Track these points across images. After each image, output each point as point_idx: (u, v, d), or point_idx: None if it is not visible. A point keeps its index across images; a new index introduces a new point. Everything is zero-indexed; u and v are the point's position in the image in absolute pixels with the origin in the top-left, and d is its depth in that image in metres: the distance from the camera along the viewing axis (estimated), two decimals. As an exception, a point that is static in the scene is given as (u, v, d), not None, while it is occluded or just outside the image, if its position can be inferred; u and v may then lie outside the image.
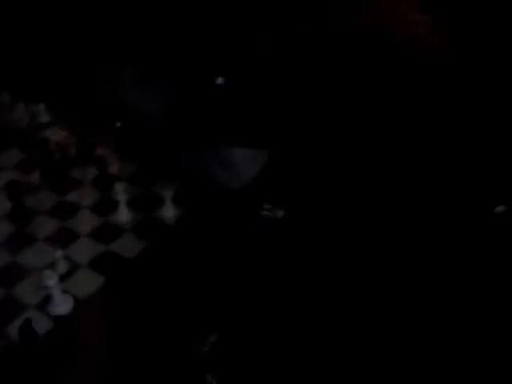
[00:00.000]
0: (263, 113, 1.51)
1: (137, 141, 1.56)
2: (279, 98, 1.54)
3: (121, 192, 1.36)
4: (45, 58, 1.73)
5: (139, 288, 1.24)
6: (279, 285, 1.23)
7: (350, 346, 1.10)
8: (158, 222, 1.37)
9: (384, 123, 1.47)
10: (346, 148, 1.45)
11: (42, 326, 1.12)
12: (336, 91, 1.52)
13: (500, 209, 1.30)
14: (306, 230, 1.35)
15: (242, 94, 1.52)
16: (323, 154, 1.46)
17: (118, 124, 1.58)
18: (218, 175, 1.44)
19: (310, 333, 1.12)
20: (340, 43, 1.54)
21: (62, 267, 1.23)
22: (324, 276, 1.24)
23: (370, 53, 1.54)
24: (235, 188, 1.43)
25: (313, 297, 1.19)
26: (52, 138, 1.58)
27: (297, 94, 1.55)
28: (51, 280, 1.12)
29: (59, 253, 1.22)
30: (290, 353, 1.09)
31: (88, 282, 1.23)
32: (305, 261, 1.27)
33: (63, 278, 1.21)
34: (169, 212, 1.38)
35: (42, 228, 1.34)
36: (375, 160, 1.43)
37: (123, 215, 1.37)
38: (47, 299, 1.16)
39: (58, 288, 1.13)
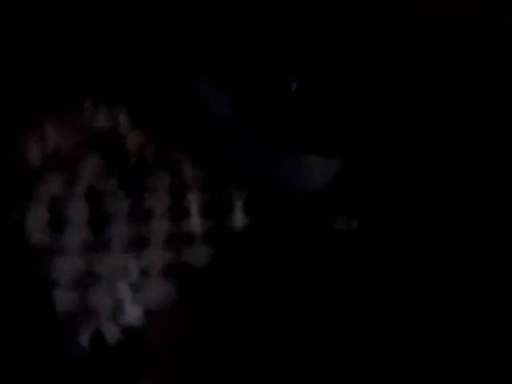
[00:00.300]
0: (339, 117, 1.46)
1: (209, 145, 1.57)
2: (356, 101, 1.49)
3: (193, 199, 1.37)
4: (127, 60, 1.76)
5: (210, 298, 1.24)
6: (352, 298, 1.20)
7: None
8: (229, 230, 1.37)
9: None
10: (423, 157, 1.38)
11: (112, 337, 1.15)
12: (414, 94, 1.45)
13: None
14: (382, 241, 1.30)
15: (318, 96, 1.48)
16: (397, 163, 1.40)
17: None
18: (290, 181, 1.42)
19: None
20: (416, 41, 1.46)
21: (135, 276, 1.26)
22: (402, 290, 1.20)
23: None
24: (307, 195, 1.40)
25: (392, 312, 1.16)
26: (130, 144, 1.63)
27: (376, 95, 1.49)
28: (123, 291, 1.14)
29: (132, 261, 1.25)
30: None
31: (159, 292, 1.25)
32: (382, 275, 1.23)
33: (135, 287, 1.25)
34: (238, 220, 1.38)
35: (117, 235, 1.38)
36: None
37: (195, 223, 1.38)
38: (118, 309, 1.19)
39: (129, 299, 1.16)
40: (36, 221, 1.37)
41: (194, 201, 1.37)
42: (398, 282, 1.24)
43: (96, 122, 1.67)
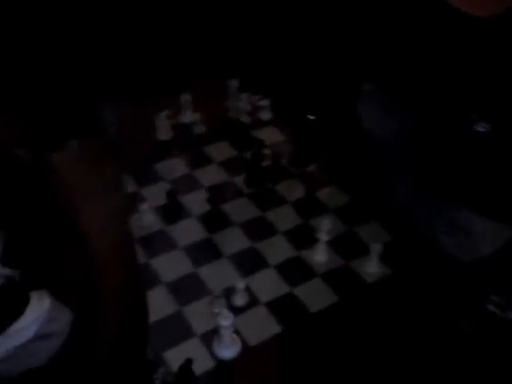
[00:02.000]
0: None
1: (355, 166, 1.37)
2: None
3: (323, 226, 1.18)
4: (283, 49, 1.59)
5: (317, 345, 1.06)
6: None
7: None
8: (357, 276, 1.17)
9: None
10: None
11: (202, 364, 0.99)
12: None
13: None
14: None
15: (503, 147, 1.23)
16: None
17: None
18: (445, 241, 1.19)
19: None
20: None
21: (241, 300, 1.10)
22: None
23: None
24: (466, 261, 1.17)
25: None
26: (267, 140, 1.46)
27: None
28: (225, 320, 0.98)
29: (241, 284, 1.08)
30: None
31: (262, 325, 1.08)
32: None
33: (237, 310, 1.08)
34: (372, 267, 1.17)
35: (231, 243, 1.22)
36: None
37: (319, 255, 1.19)
38: (214, 332, 1.03)
39: (229, 329, 0.99)
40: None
41: (324, 228, 1.18)
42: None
43: (235, 108, 1.52)
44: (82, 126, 0.81)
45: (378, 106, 1.38)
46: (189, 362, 0.94)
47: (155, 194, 1.29)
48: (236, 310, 1.09)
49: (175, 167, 1.38)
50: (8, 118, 0.78)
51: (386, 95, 1.35)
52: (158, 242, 1.21)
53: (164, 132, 1.45)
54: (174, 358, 1.00)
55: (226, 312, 0.98)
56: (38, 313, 0.80)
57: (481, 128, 1.17)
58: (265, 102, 1.52)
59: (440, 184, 1.19)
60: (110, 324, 0.86)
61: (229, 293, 1.11)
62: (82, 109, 0.81)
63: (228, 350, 1.01)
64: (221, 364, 1.00)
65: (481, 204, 1.15)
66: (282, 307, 1.11)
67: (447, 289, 1.14)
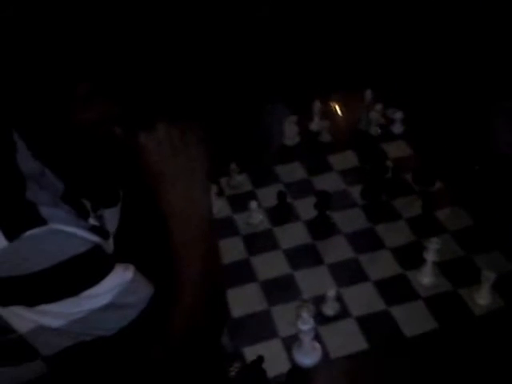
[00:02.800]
0: None
1: (485, 188, 1.25)
2: None
3: (431, 245, 1.09)
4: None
5: (405, 372, 0.98)
6: None
7: None
8: (464, 305, 1.07)
9: None
10: None
11: (278, 366, 0.97)
12: None
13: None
14: None
15: None
16: None
17: (476, 167, 1.29)
18: None
19: None
20: None
21: (330, 309, 1.06)
22: None
23: None
24: None
25: None
26: (394, 154, 1.39)
27: None
28: (304, 325, 0.95)
29: (332, 292, 1.04)
30: None
31: (349, 339, 1.02)
32: None
33: (326, 320, 1.05)
34: (483, 298, 1.06)
35: (333, 252, 1.18)
36: None
37: (425, 277, 1.10)
38: (295, 338, 1.00)
39: (309, 335, 0.96)
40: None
41: (433, 248, 1.09)
42: None
43: (365, 118, 1.48)
44: (172, 110, 0.84)
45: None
46: (260, 359, 0.92)
47: (269, 194, 1.30)
48: (325, 319, 1.06)
49: (294, 171, 1.38)
50: (108, 99, 0.84)
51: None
52: (262, 241, 1.21)
53: (291, 136, 1.46)
54: (252, 354, 0.99)
55: (306, 316, 0.94)
56: (118, 283, 0.84)
57: None
58: (398, 115, 1.46)
59: None
60: (182, 311, 0.87)
61: (320, 300, 1.08)
62: (176, 94, 0.84)
63: (306, 356, 0.98)
64: (296, 369, 0.97)
65: None
66: (374, 325, 1.04)
67: None
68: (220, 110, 1.32)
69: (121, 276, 0.85)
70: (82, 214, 0.88)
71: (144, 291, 0.89)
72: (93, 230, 0.86)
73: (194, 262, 0.87)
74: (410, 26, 1.52)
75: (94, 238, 0.85)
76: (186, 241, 0.87)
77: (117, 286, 0.84)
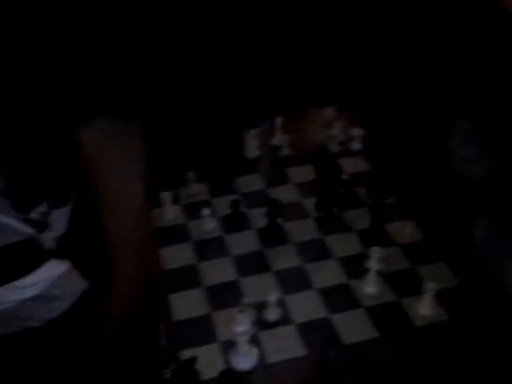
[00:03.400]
0: None
1: (437, 203, 1.27)
2: None
3: (373, 254, 1.09)
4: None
5: (339, 377, 0.98)
6: None
7: None
8: (405, 315, 1.07)
9: None
10: None
11: (214, 369, 0.96)
12: None
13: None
14: None
15: None
16: None
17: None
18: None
19: None
20: None
21: (272, 315, 1.06)
22: None
23: None
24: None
25: None
26: (351, 170, 1.41)
27: None
28: (239, 326, 0.95)
29: (273, 297, 1.05)
30: None
31: (287, 345, 1.02)
32: None
33: (267, 325, 1.05)
34: (424, 309, 1.06)
35: (281, 260, 1.18)
36: None
37: (369, 287, 1.10)
38: (232, 344, 1.00)
39: (244, 337, 0.96)
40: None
41: (375, 259, 1.10)
42: None
43: (330, 133, 1.50)
44: (109, 105, 0.86)
45: (473, 143, 1.29)
46: (193, 359, 0.92)
47: (224, 204, 1.30)
48: (266, 325, 1.05)
49: (252, 183, 1.39)
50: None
51: (481, 133, 1.25)
52: (212, 248, 1.22)
53: (251, 150, 1.48)
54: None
55: (241, 318, 0.94)
56: (48, 275, 0.85)
57: None
58: (358, 132, 1.48)
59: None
60: (118, 298, 0.88)
61: (263, 306, 1.07)
62: (114, 91, 0.86)
63: (241, 359, 0.97)
64: (229, 371, 0.97)
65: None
66: (314, 331, 1.04)
67: (505, 344, 0.99)
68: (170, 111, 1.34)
69: (52, 269, 0.86)
70: (22, 209, 0.89)
71: (76, 285, 0.89)
72: (29, 221, 0.87)
73: (129, 251, 0.88)
74: (368, 45, 1.55)
75: (28, 230, 0.85)
76: (122, 231, 0.88)
77: (47, 279, 0.85)
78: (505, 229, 1.11)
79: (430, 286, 1.05)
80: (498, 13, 1.14)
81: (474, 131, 1.27)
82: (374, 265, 1.08)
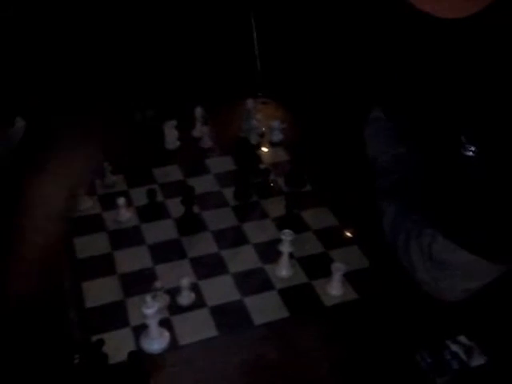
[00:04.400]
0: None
1: (351, 188, 1.31)
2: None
3: (284, 236, 1.11)
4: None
5: (249, 355, 0.99)
6: None
7: None
8: (316, 296, 1.10)
9: None
10: None
11: (124, 354, 0.94)
12: None
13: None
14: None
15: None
16: None
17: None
18: (419, 268, 1.09)
19: None
20: None
21: (184, 299, 1.05)
22: None
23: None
24: (437, 295, 1.07)
25: None
26: (270, 160, 1.43)
27: None
28: (149, 309, 0.94)
29: (185, 282, 1.04)
30: None
31: (199, 327, 1.02)
32: None
33: (181, 310, 1.05)
34: (334, 289, 1.08)
35: (198, 247, 1.18)
36: None
37: (282, 270, 1.12)
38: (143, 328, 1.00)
39: (153, 319, 0.96)
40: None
41: (286, 242, 1.12)
42: None
43: (250, 125, 1.52)
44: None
45: (384, 134, 1.33)
46: (99, 341, 0.91)
47: (142, 194, 1.29)
48: (179, 310, 1.06)
49: (171, 173, 1.39)
50: None
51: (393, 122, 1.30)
52: (128, 237, 1.21)
53: (171, 141, 1.48)
54: (100, 343, 0.98)
55: (149, 300, 0.94)
56: None
57: (468, 152, 1.08)
58: (277, 124, 1.51)
59: (424, 206, 1.10)
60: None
61: (177, 291, 1.08)
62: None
63: (152, 342, 0.97)
64: (136, 352, 0.96)
65: (458, 233, 1.04)
66: (226, 314, 1.05)
67: (411, 321, 1.03)
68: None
69: None
70: None
71: None
72: None
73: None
74: (287, 39, 1.59)
75: None
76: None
77: None
78: (408, 214, 1.15)
79: (338, 266, 1.08)
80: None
81: (386, 122, 1.33)
82: (285, 248, 1.10)
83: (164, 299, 1.04)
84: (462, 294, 1.04)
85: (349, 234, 1.23)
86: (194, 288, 1.09)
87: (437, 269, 1.06)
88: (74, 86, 1.10)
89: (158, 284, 1.04)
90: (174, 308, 1.06)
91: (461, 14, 0.92)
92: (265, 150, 1.48)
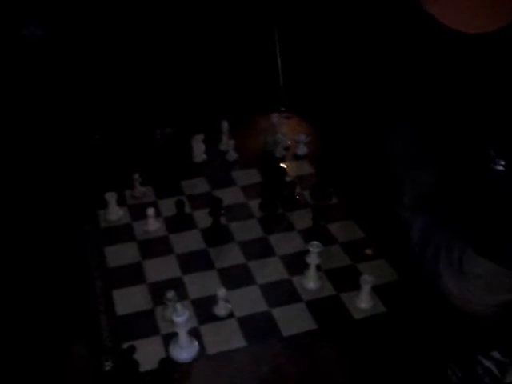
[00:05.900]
0: None
1: (376, 202, 1.31)
2: None
3: (312, 248, 1.11)
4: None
5: (280, 368, 0.99)
6: None
7: None
8: (345, 309, 1.10)
9: None
10: None
11: (154, 361, 0.96)
12: None
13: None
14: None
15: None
16: None
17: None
18: (448, 282, 1.09)
19: None
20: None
21: (222, 310, 1.07)
22: None
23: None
24: (469, 308, 1.06)
25: None
26: (297, 173, 1.44)
27: None
28: (179, 317, 0.95)
29: (221, 292, 1.06)
30: None
31: (227, 338, 1.03)
32: None
33: (209, 320, 1.06)
34: (363, 302, 1.09)
35: (226, 257, 1.20)
36: None
37: (309, 282, 1.13)
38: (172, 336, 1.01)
39: (185, 328, 0.97)
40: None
41: (314, 254, 1.12)
42: None
43: (275, 138, 1.54)
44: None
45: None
46: (131, 348, 0.92)
47: (170, 205, 1.31)
48: (208, 319, 1.06)
49: (198, 185, 1.41)
50: None
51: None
52: (156, 247, 1.23)
53: (198, 155, 1.50)
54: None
55: (179, 308, 0.95)
56: None
57: (498, 166, 1.08)
58: (302, 138, 1.52)
59: (454, 220, 1.11)
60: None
61: (206, 302, 1.09)
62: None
63: (181, 351, 0.98)
64: (167, 360, 0.97)
65: (488, 246, 1.05)
66: (254, 324, 1.06)
67: (442, 335, 1.03)
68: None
69: None
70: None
71: None
72: None
73: None
74: (313, 53, 1.61)
75: None
76: None
77: None
78: (437, 227, 1.16)
79: (367, 279, 1.08)
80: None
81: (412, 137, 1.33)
82: (313, 260, 1.11)
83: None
84: (492, 307, 1.04)
85: (376, 248, 1.24)
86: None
87: (466, 281, 1.06)
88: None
89: (169, 294, 1.05)
90: (203, 317, 1.07)
91: (485, 29, 0.94)
92: (288, 164, 1.49)
